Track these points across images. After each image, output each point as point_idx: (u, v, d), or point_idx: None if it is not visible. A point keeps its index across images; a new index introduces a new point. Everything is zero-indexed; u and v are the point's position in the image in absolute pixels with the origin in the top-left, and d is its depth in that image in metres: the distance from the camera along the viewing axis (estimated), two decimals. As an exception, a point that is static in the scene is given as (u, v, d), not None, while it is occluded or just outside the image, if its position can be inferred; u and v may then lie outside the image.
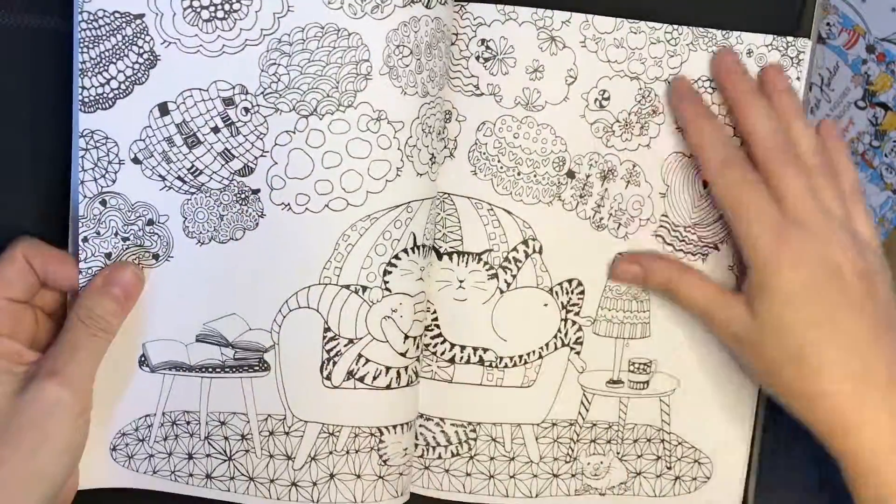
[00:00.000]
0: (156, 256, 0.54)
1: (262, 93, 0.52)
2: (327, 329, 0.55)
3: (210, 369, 0.55)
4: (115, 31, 0.51)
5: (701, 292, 0.58)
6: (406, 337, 0.56)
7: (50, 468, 0.49)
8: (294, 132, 0.53)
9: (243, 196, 0.53)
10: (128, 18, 0.51)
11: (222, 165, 0.53)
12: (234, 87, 0.52)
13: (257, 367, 0.55)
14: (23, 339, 0.52)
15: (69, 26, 0.52)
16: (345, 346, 0.55)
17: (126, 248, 0.53)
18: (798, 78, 0.60)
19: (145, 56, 0.51)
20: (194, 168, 0.53)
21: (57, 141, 0.54)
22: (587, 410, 0.61)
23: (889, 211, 0.97)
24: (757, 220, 0.54)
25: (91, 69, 0.51)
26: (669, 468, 0.62)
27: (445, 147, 0.57)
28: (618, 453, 0.62)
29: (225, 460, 0.56)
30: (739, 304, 0.56)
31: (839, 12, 0.93)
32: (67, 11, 0.51)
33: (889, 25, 0.93)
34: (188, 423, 0.56)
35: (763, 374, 0.57)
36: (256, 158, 0.53)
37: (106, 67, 0.51)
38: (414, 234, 0.55)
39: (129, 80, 0.51)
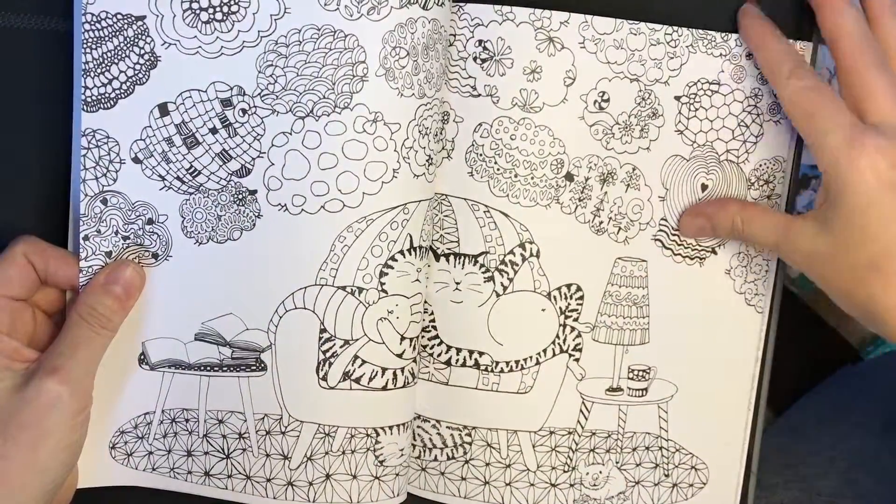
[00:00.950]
0: (155, 255, 0.54)
1: (260, 94, 0.53)
2: (323, 330, 0.55)
3: (208, 368, 0.56)
4: (117, 33, 0.52)
5: (763, 227, 0.56)
6: (402, 338, 0.56)
7: (50, 464, 0.50)
8: (290, 133, 0.53)
9: (241, 197, 0.54)
10: (129, 20, 0.52)
11: (220, 166, 0.54)
12: (231, 89, 0.53)
13: (254, 367, 0.56)
14: (21, 337, 0.52)
15: (70, 27, 0.52)
16: (341, 347, 0.55)
17: (126, 247, 0.54)
18: None
19: (146, 57, 0.52)
20: (193, 168, 0.54)
21: (58, 141, 0.54)
22: (586, 419, 0.61)
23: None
24: (829, 122, 0.52)
25: (93, 69, 0.52)
26: (667, 475, 0.62)
27: (443, 148, 0.57)
28: (617, 462, 0.62)
29: (223, 458, 0.57)
30: (807, 224, 0.54)
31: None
32: (69, 12, 0.52)
33: (889, 27, 0.93)
34: (187, 420, 0.56)
35: (843, 291, 0.54)
36: (253, 159, 0.53)
37: (108, 68, 0.52)
38: (410, 236, 0.55)
39: (130, 80, 0.52)
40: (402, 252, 0.55)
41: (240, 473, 0.57)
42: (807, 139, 0.54)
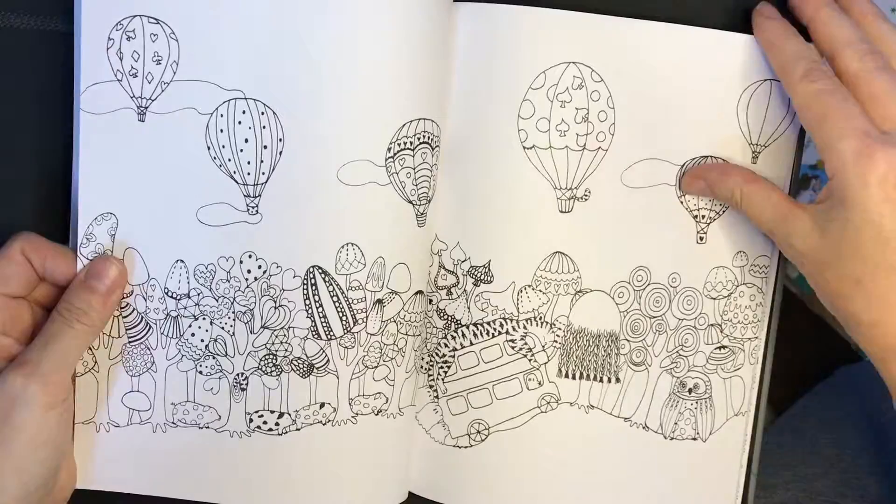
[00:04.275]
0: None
1: None
2: None
3: None
4: None
5: (762, 209, 0.55)
6: None
7: (25, 461, 0.49)
8: None
9: None
10: None
11: None
12: None
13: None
14: (17, 335, 0.52)
15: (69, 27, 0.53)
16: None
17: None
18: None
19: None
20: None
21: (58, 140, 0.54)
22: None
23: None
24: (842, 127, 0.50)
25: None
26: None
27: None
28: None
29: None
30: (804, 219, 0.52)
31: (839, 14, 0.92)
32: (69, 12, 0.53)
33: (889, 26, 0.93)
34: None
35: (827, 297, 0.53)
36: None
37: None
38: None
39: None
40: None
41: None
42: (817, 144, 0.52)
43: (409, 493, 0.61)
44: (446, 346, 0.60)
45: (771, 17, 0.56)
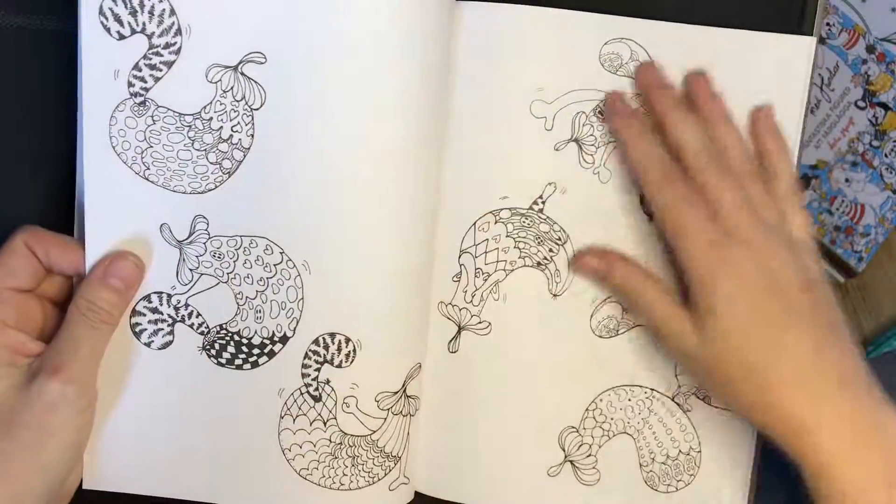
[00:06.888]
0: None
1: None
2: None
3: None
4: None
5: (655, 307, 0.55)
6: None
7: (53, 463, 0.50)
8: None
9: None
10: None
11: None
12: None
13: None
14: (30, 330, 0.52)
15: (69, 26, 0.52)
16: None
17: None
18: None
19: None
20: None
21: (62, 138, 0.55)
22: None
23: (889, 211, 0.97)
24: (694, 238, 0.52)
25: None
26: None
27: None
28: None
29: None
30: (687, 322, 0.53)
31: (839, 12, 0.93)
32: (69, 12, 0.52)
33: (889, 25, 0.93)
34: None
35: (715, 390, 0.56)
36: None
37: None
38: None
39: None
40: None
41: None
42: (675, 251, 0.53)
43: (416, 492, 0.60)
44: None
45: (622, 113, 0.56)
